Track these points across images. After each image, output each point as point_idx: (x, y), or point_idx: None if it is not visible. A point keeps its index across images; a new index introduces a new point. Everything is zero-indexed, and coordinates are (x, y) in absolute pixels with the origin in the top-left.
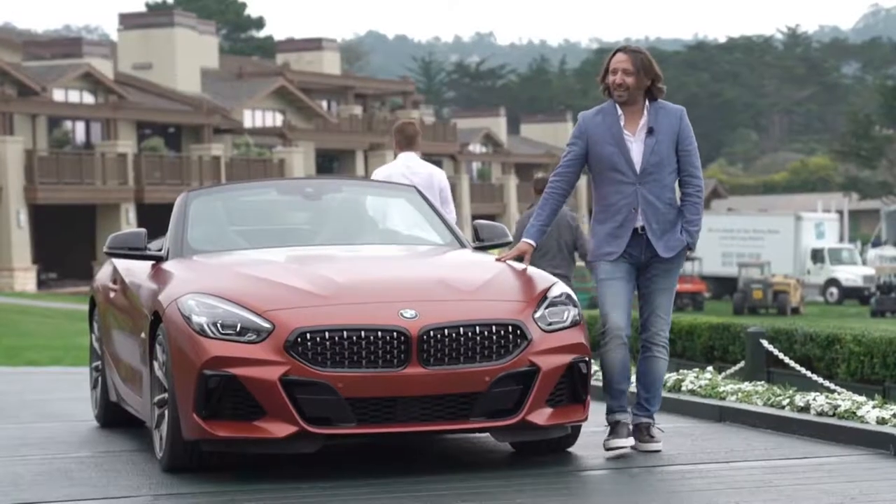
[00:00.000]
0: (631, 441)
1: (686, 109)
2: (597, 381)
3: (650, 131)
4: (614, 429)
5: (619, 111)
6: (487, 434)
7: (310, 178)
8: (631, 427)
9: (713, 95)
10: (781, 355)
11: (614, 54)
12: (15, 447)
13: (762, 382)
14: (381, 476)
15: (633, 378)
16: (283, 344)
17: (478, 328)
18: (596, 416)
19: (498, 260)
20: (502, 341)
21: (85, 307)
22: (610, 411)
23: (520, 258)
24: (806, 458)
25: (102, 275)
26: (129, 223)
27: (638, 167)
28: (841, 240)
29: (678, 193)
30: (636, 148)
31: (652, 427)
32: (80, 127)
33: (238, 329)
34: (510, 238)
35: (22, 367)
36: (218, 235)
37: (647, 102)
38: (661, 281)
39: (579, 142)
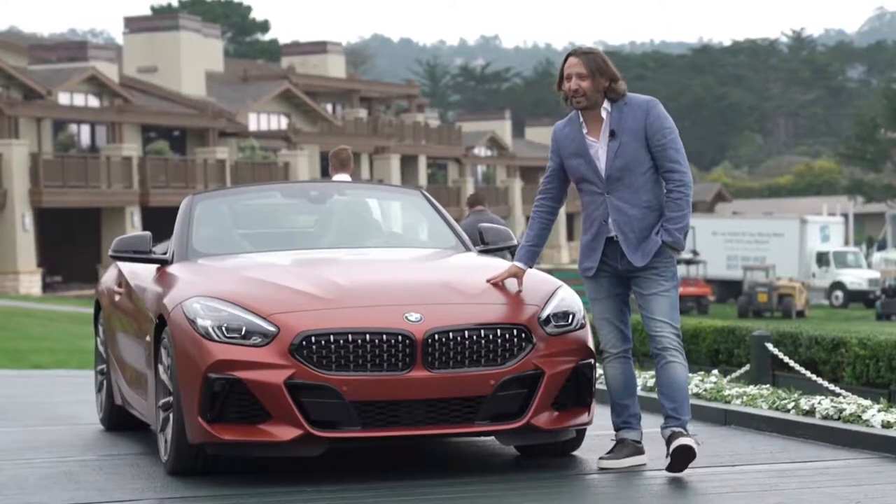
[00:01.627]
0: (626, 462)
1: (689, 111)
2: (601, 385)
3: (612, 134)
4: (614, 447)
5: (581, 118)
6: (492, 438)
7: (314, 182)
8: (636, 445)
9: (718, 99)
10: (786, 359)
11: (566, 59)
12: (20, 450)
13: (767, 386)
14: (386, 480)
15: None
16: (288, 347)
17: (483, 331)
18: (601, 419)
19: (488, 281)
20: (507, 345)
21: (90, 310)
22: (615, 429)
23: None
24: (811, 462)
25: (107, 278)
26: (133, 226)
27: (604, 174)
28: (846, 243)
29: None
30: (601, 154)
31: (685, 435)
32: (85, 130)
33: (243, 332)
34: (515, 241)
35: (27, 371)
36: (223, 239)
37: (607, 103)
38: (654, 286)
39: (554, 156)
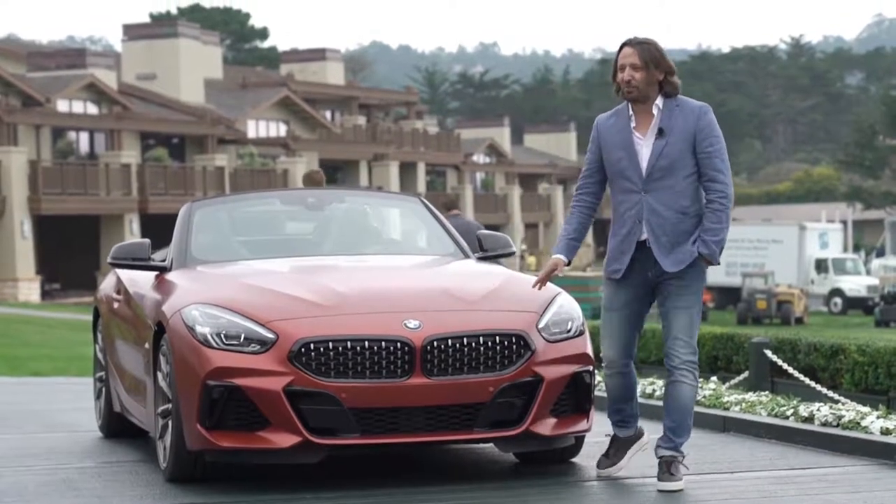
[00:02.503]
0: (624, 462)
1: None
2: (601, 391)
3: (660, 132)
4: (609, 448)
5: (630, 111)
6: (491, 444)
7: (313, 189)
8: (631, 439)
9: (717, 105)
10: (785, 365)
11: (621, 49)
12: (19, 457)
13: (766, 393)
14: (385, 486)
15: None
16: (287, 354)
17: (481, 338)
18: (600, 426)
19: (535, 284)
20: (506, 352)
21: (88, 317)
22: (612, 425)
23: (552, 273)
24: (810, 469)
25: (106, 285)
26: (132, 234)
27: (644, 172)
28: (845, 250)
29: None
30: (645, 152)
31: (675, 463)
32: (83, 137)
33: (242, 339)
34: (514, 248)
35: (26, 378)
36: (221, 246)
37: (660, 100)
38: (676, 299)
39: (594, 147)
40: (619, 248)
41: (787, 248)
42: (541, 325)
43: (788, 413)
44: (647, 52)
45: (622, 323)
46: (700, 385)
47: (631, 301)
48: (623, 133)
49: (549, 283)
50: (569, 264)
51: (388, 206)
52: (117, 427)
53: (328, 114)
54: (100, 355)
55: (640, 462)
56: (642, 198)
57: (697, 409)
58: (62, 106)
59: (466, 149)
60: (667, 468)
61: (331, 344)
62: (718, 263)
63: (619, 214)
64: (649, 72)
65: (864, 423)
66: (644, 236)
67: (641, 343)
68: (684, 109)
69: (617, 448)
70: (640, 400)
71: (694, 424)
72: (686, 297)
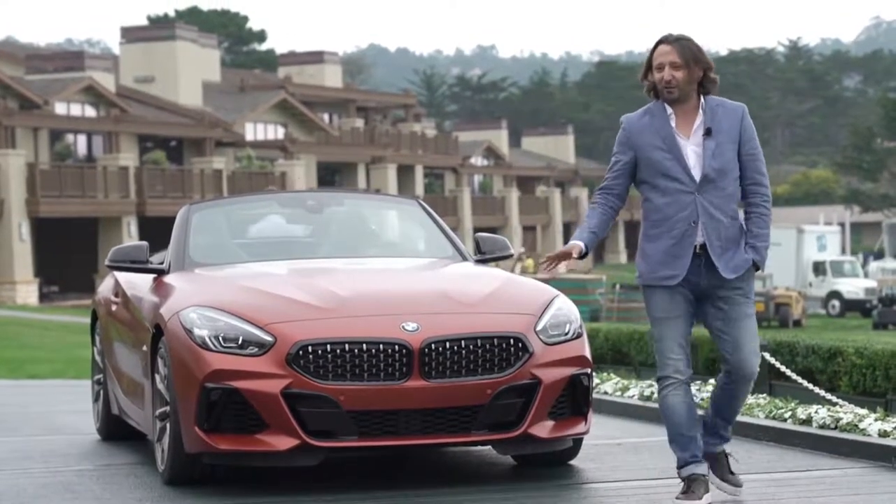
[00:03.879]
0: (704, 502)
1: None
2: (598, 394)
3: (708, 132)
4: (689, 486)
5: (669, 110)
6: (489, 447)
7: (311, 191)
8: (707, 480)
9: None
10: (783, 368)
11: (656, 46)
12: (17, 460)
13: (764, 395)
14: (383, 489)
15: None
16: (285, 357)
17: (479, 341)
18: (597, 429)
19: (543, 262)
20: (504, 354)
21: (86, 320)
22: (682, 464)
23: (566, 255)
24: (808, 471)
25: (104, 288)
26: (130, 236)
27: (697, 173)
28: (843, 252)
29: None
30: (692, 151)
31: (729, 457)
32: (81, 140)
33: (240, 342)
34: (512, 251)
35: (24, 380)
36: (219, 248)
37: (701, 99)
38: (739, 307)
39: (625, 149)
40: (672, 253)
41: (785, 251)
42: (539, 328)
43: (786, 415)
44: (686, 48)
45: (683, 329)
46: (698, 387)
47: (688, 306)
48: (663, 132)
49: (546, 286)
50: (586, 255)
51: (386, 209)
52: (115, 430)
53: (326, 116)
54: (98, 358)
55: (640, 464)
56: (696, 198)
57: None
58: (60, 108)
59: (464, 151)
60: (727, 464)
61: (329, 346)
62: (763, 270)
63: (663, 216)
64: (690, 70)
65: (861, 426)
66: (700, 240)
67: (640, 346)
68: (727, 110)
69: (698, 487)
70: (636, 402)
71: None
72: (745, 306)
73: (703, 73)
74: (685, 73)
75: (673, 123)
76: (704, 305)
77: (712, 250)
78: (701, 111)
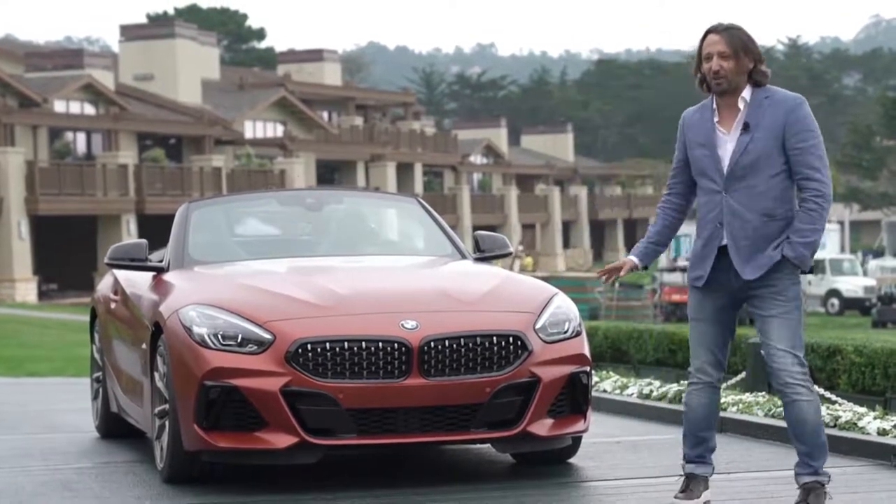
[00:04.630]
0: (700, 501)
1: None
2: (597, 392)
3: (745, 127)
4: (688, 485)
5: (714, 105)
6: (488, 445)
7: (311, 189)
8: (707, 481)
9: None
10: None
11: (705, 36)
12: (16, 458)
13: (763, 393)
14: (382, 487)
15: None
16: (284, 355)
17: (479, 339)
18: (596, 427)
19: (600, 274)
20: (503, 352)
21: (86, 318)
22: (687, 460)
23: (617, 270)
24: None
25: (103, 286)
26: (129, 234)
27: (725, 171)
28: (842, 251)
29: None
30: (728, 148)
31: (818, 491)
32: (81, 138)
33: (239, 340)
34: (511, 249)
35: (23, 378)
36: (219, 246)
37: (748, 91)
38: (769, 307)
39: (680, 145)
40: (701, 254)
41: None
42: (538, 326)
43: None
44: (735, 38)
45: (712, 332)
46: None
47: (718, 310)
48: (705, 128)
49: (546, 284)
50: (646, 268)
51: (386, 207)
52: (114, 427)
53: (325, 114)
54: (97, 356)
55: (639, 462)
56: (723, 198)
57: None
58: (59, 106)
59: (463, 149)
60: (805, 496)
61: (328, 344)
62: (808, 268)
63: (701, 216)
64: (739, 60)
65: (860, 424)
66: (724, 241)
67: (639, 344)
68: (774, 101)
69: (696, 485)
70: (636, 401)
71: None
72: (782, 304)
73: (754, 65)
74: (734, 63)
75: (716, 118)
76: (749, 308)
77: (737, 250)
78: (742, 104)
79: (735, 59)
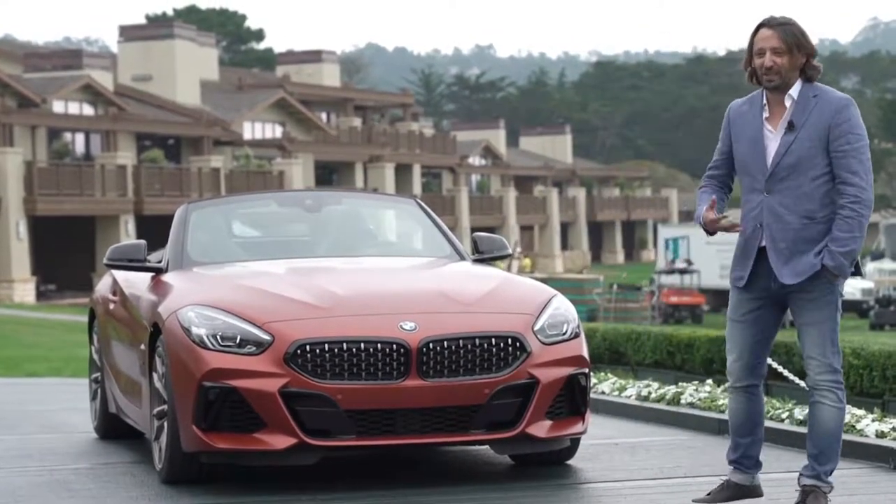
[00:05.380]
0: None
1: (684, 121)
2: (595, 394)
3: (790, 126)
4: (717, 487)
5: (765, 100)
6: (487, 447)
7: (309, 190)
8: (741, 489)
9: (713, 108)
10: (780, 368)
11: (757, 30)
12: (14, 458)
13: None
14: (380, 488)
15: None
16: (283, 356)
17: (477, 340)
18: (595, 429)
19: (710, 220)
20: (502, 354)
21: (84, 318)
22: (728, 461)
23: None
24: None
25: (102, 286)
26: (128, 235)
27: (768, 170)
28: None
29: None
30: (773, 147)
31: (817, 494)
32: (79, 139)
33: (238, 341)
34: (509, 250)
35: (21, 378)
36: (218, 247)
37: (797, 88)
38: (804, 314)
39: (725, 137)
40: (742, 254)
41: None
42: (536, 328)
43: (784, 416)
44: (789, 33)
45: (747, 334)
46: (696, 388)
47: (755, 312)
48: (754, 124)
49: (544, 286)
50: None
51: (384, 208)
52: (112, 428)
53: (324, 115)
54: (95, 356)
55: (637, 464)
56: (764, 198)
57: (693, 411)
58: (58, 107)
59: (462, 151)
60: (804, 498)
61: (327, 345)
62: (847, 276)
63: (744, 215)
64: (792, 56)
65: (859, 427)
66: (763, 242)
67: (637, 345)
68: (822, 101)
69: (721, 490)
70: (634, 402)
71: (689, 427)
72: (814, 313)
73: (806, 60)
74: (787, 58)
75: (765, 115)
76: (790, 310)
77: (776, 252)
78: (790, 103)
79: (789, 55)
